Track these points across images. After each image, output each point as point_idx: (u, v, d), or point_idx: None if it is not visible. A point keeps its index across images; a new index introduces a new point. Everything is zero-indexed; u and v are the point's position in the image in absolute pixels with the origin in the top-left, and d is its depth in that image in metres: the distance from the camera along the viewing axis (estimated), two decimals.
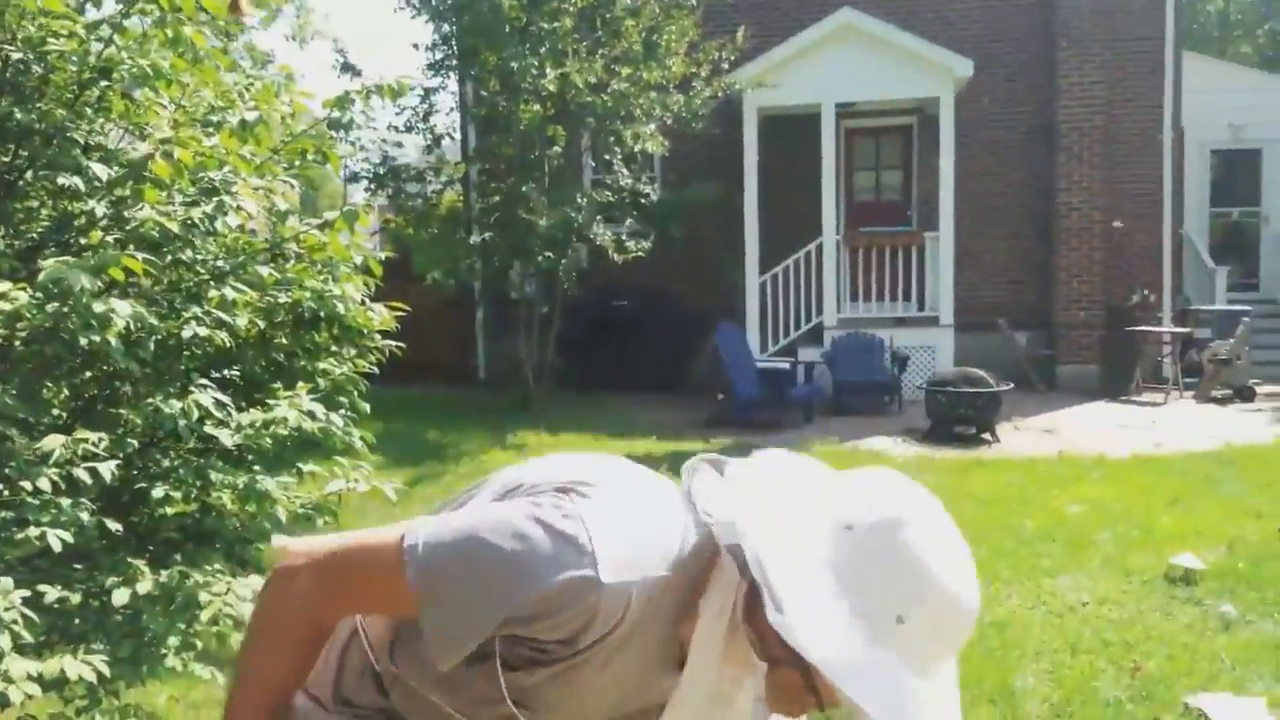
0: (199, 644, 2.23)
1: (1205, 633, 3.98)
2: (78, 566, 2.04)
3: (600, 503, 1.06)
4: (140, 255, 1.82)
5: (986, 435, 8.30)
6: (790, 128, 11.01)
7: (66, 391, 2.19)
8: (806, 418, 9.20)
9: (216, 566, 2.25)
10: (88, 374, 2.16)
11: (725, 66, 9.84)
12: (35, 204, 2.26)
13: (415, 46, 9.75)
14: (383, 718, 1.23)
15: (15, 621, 1.74)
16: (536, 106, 8.87)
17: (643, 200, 9.90)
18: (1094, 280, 11.33)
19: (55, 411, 2.12)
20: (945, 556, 1.00)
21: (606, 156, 9.60)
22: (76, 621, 2.09)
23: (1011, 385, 8.78)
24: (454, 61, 9.61)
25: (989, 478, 6.83)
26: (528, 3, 8.67)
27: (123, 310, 1.73)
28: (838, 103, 10.47)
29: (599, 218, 9.38)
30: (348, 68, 9.46)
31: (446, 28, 9.50)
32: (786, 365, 9.53)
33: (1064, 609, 4.32)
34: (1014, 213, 11.73)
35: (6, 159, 2.13)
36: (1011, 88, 11.60)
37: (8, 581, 1.76)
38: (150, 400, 1.95)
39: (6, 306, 1.71)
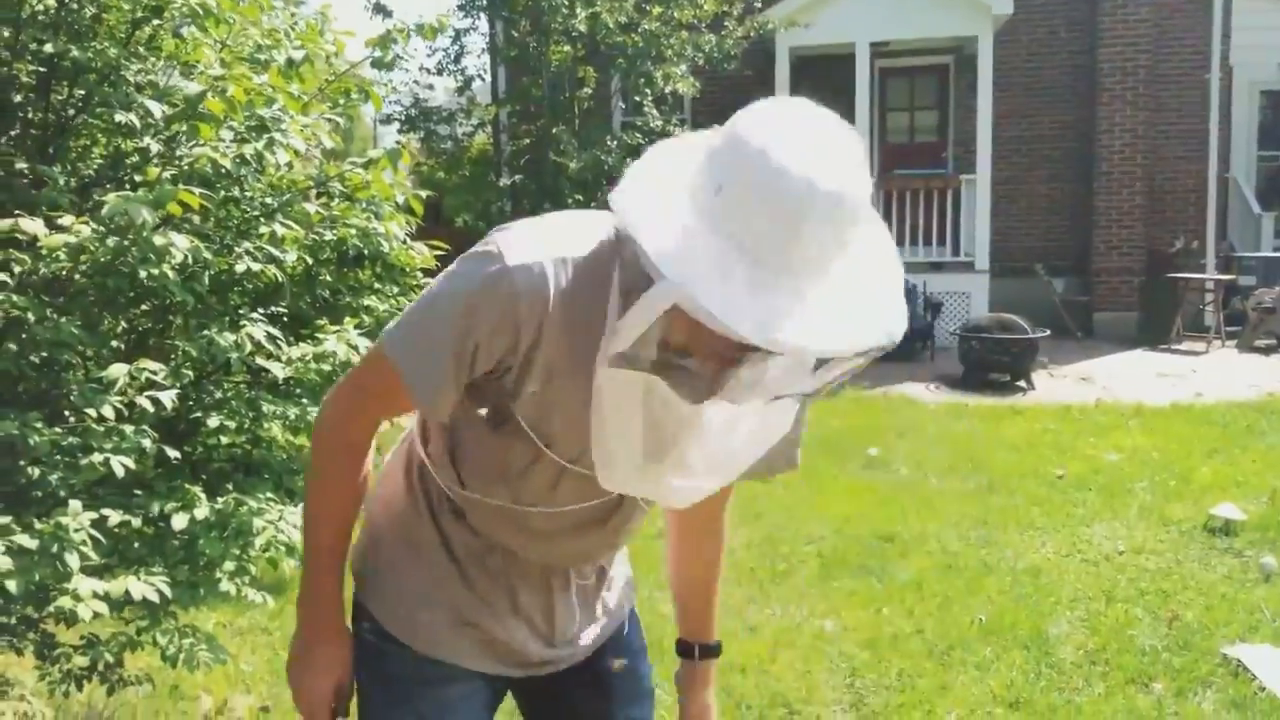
0: (253, 569, 2.31)
1: (1245, 584, 3.93)
2: (137, 493, 2.12)
3: (514, 228, 1.13)
4: (196, 191, 1.87)
5: (1021, 382, 8.22)
6: (823, 68, 10.82)
7: (123, 324, 2.26)
8: None
9: (268, 495, 2.33)
10: (143, 307, 2.22)
11: (758, 5, 9.67)
12: (88, 142, 2.31)
13: None
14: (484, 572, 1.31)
15: (84, 543, 1.82)
16: (567, 47, 8.79)
17: None
18: (1134, 225, 11.12)
19: (114, 344, 2.19)
20: (788, 131, 0.91)
21: (637, 98, 9.51)
22: (136, 545, 2.18)
23: (1048, 332, 8.66)
24: (484, 2, 9.51)
25: (1023, 425, 6.78)
26: None
27: (181, 244, 1.79)
28: (872, 42, 10.26)
29: (629, 160, 9.30)
30: (379, 9, 9.41)
31: None
32: None
33: (1099, 557, 4.28)
34: (1053, 155, 11.50)
35: (62, 97, 2.18)
36: (1052, 26, 11.30)
37: (76, 504, 1.84)
38: (205, 333, 2.01)
39: (70, 240, 1.78)
